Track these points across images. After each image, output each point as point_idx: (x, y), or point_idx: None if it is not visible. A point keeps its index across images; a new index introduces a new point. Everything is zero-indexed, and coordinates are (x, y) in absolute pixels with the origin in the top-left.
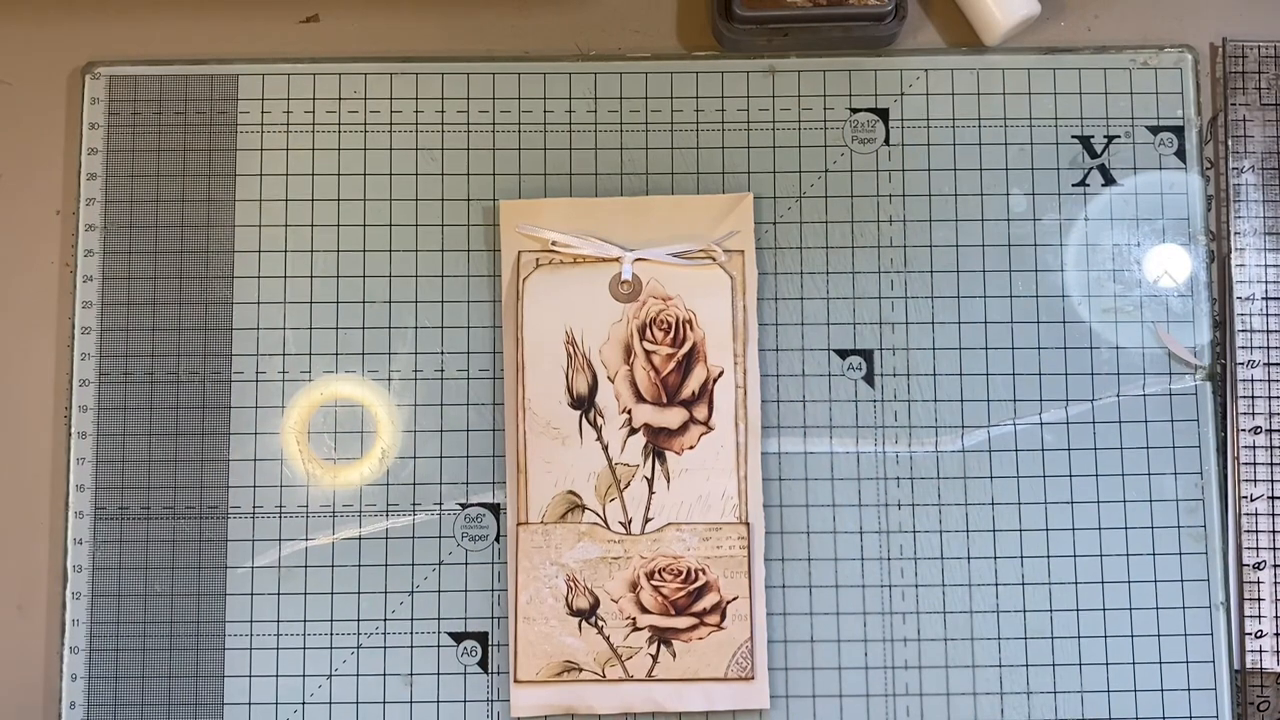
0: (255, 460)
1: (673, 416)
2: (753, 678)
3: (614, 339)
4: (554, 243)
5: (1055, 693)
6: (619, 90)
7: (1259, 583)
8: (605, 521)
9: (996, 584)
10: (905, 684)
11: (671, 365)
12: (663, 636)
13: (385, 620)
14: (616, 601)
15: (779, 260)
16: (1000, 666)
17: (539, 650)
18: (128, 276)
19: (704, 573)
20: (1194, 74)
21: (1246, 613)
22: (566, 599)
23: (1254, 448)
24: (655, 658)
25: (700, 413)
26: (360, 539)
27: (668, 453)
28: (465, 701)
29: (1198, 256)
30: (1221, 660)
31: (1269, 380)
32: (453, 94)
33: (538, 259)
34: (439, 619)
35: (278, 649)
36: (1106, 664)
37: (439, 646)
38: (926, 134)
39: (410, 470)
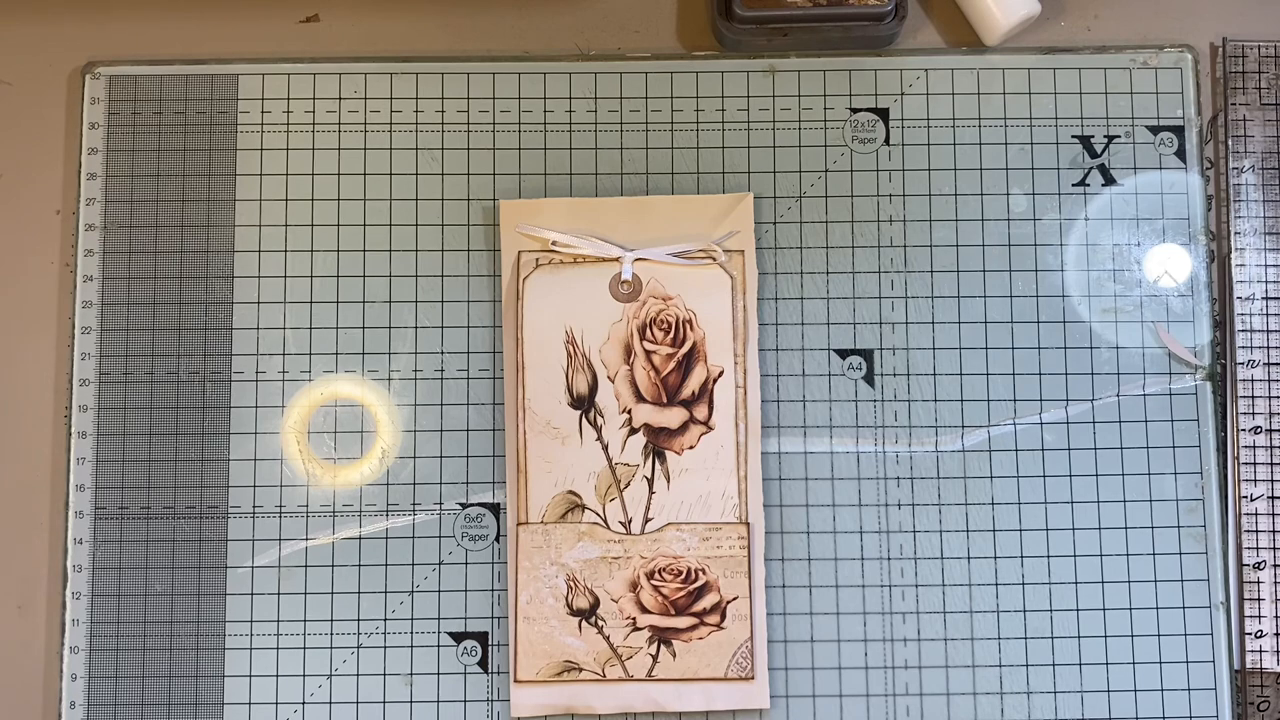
0: (255, 460)
1: (673, 416)
2: (753, 678)
3: (614, 339)
4: (554, 243)
5: (1055, 693)
6: (619, 90)
7: (1259, 583)
8: (605, 521)
9: (996, 584)
10: (905, 684)
11: (671, 365)
12: (663, 636)
13: (385, 620)
14: (616, 601)
15: (779, 260)
16: (1000, 666)
17: (539, 650)
18: (128, 276)
19: (704, 573)
20: (1194, 74)
21: (1246, 613)
22: (566, 599)
23: (1254, 448)
24: (655, 658)
25: (700, 412)
26: (360, 539)
27: (668, 452)
28: (465, 701)
29: (1198, 256)
30: (1221, 660)
31: (1269, 380)
32: (453, 94)
33: (538, 259)
34: (439, 619)
35: (278, 649)
36: (1106, 664)
37: (439, 646)
38: (926, 134)
39: (410, 470)
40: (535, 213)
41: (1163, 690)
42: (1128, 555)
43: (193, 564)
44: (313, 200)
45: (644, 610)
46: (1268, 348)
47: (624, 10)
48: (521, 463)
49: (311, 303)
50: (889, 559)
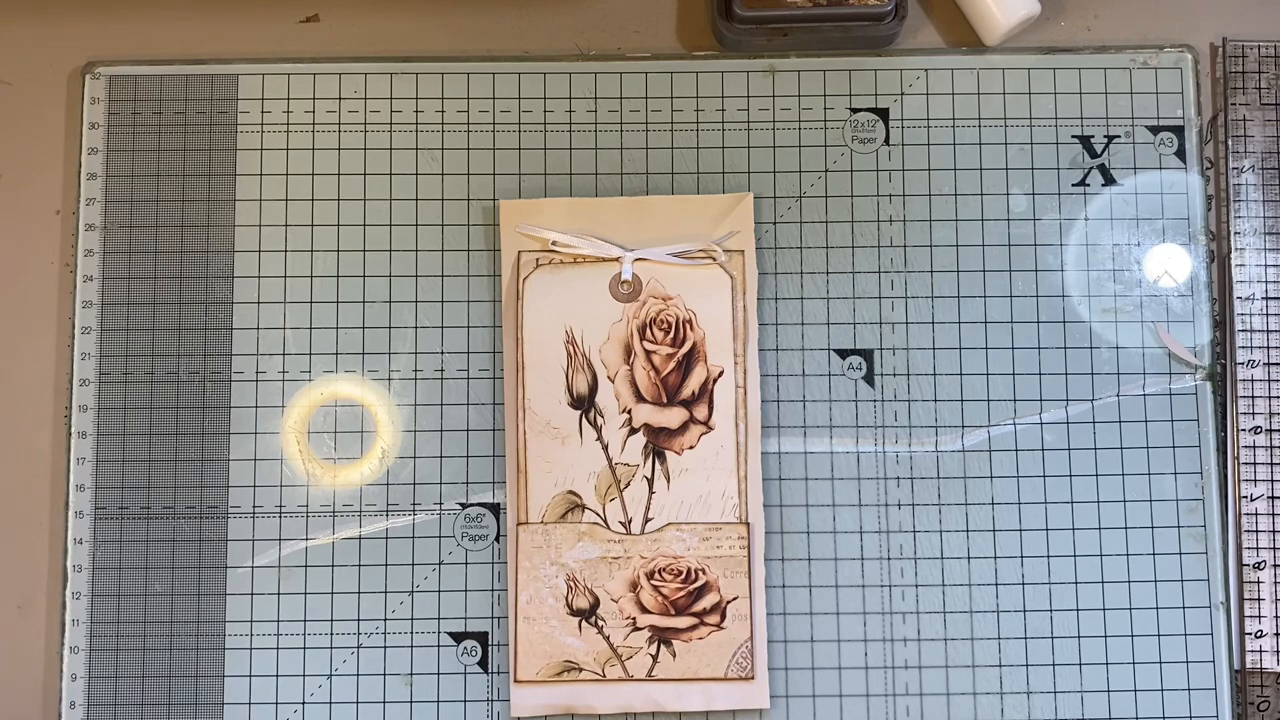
0: (255, 460)
1: (673, 416)
2: (753, 678)
3: (614, 339)
4: (554, 243)
5: (1055, 693)
6: (619, 90)
7: (1259, 583)
8: (605, 521)
9: (996, 584)
10: (905, 684)
11: (671, 365)
12: (663, 636)
13: (385, 620)
14: (616, 601)
15: (779, 260)
16: (1000, 666)
17: (539, 650)
18: (128, 276)
19: (704, 573)
20: (1194, 74)
21: (1246, 613)
22: (566, 599)
23: (1254, 448)
24: (655, 658)
25: (700, 412)
26: (360, 539)
27: (668, 452)
28: (465, 701)
29: (1198, 256)
30: (1221, 660)
31: (1269, 380)
32: (453, 94)
33: (538, 259)
34: (439, 619)
35: (278, 649)
36: (1106, 664)
37: (439, 646)
38: (926, 134)
39: (410, 470)
40: (535, 213)
41: (1163, 690)
42: (1128, 555)
43: (193, 564)
44: (313, 200)
45: (644, 610)
46: (1268, 348)
47: (624, 10)
48: (521, 463)
49: (311, 303)
50: (889, 559)
